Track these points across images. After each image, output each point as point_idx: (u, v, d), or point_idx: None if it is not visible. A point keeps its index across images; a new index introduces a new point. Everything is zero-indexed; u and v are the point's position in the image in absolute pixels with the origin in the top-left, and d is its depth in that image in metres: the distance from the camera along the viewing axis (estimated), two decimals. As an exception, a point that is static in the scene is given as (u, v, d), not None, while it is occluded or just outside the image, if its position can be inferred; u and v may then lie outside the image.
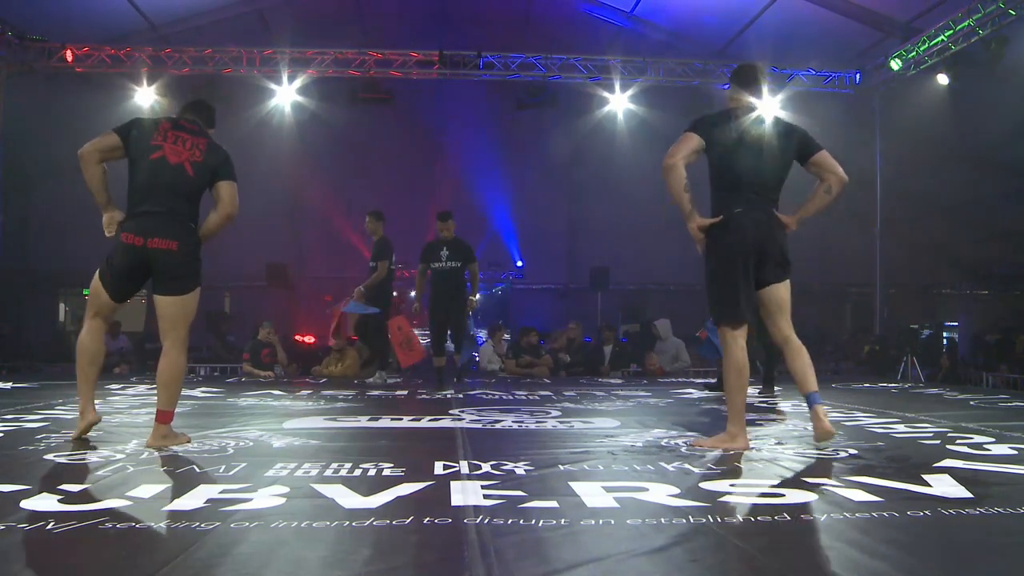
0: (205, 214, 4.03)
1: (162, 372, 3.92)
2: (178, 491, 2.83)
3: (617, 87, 12.84)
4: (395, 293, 17.38)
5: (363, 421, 5.10)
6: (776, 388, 7.35)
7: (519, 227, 16.22)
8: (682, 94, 13.09)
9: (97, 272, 3.97)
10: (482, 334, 12.77)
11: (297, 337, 13.61)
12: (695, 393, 7.51)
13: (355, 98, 12.77)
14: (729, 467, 3.40)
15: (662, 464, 3.42)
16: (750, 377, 7.10)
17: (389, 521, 2.43)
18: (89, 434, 4.27)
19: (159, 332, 3.96)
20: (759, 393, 7.17)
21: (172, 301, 3.89)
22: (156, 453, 3.70)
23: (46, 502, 2.65)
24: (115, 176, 3.99)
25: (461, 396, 6.93)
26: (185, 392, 6.75)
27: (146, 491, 2.82)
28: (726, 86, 12.83)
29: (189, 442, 3.95)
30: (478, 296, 8.21)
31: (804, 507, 2.64)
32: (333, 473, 3.17)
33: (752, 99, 4.02)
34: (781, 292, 3.96)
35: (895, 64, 11.82)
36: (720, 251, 3.90)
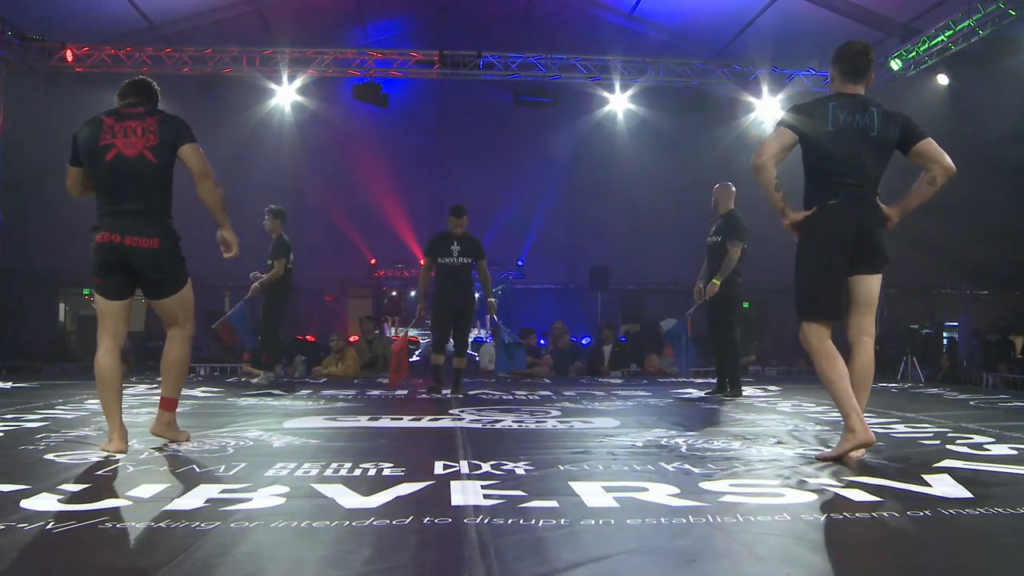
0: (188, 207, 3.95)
1: (166, 356, 3.88)
2: (178, 491, 2.83)
3: (617, 87, 12.84)
4: (394, 293, 17.49)
5: (363, 421, 5.10)
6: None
7: (519, 227, 16.21)
8: (682, 94, 13.10)
9: (93, 287, 3.88)
10: (481, 334, 12.76)
11: (297, 337, 13.61)
12: (695, 393, 7.51)
13: (355, 98, 12.76)
14: (729, 467, 3.40)
15: (662, 464, 3.42)
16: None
17: (389, 521, 2.43)
18: (90, 432, 4.29)
19: (164, 324, 3.92)
20: (707, 393, 7.25)
21: (166, 303, 3.85)
22: (156, 453, 3.70)
23: (46, 502, 2.65)
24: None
25: (461, 396, 6.93)
26: (185, 392, 6.76)
27: (146, 491, 2.82)
28: (727, 86, 12.94)
29: (189, 440, 3.95)
30: (494, 299, 7.55)
31: (804, 507, 2.64)
32: (333, 473, 3.17)
33: (854, 84, 3.66)
34: (871, 285, 3.68)
35: (895, 64, 11.81)
36: (812, 246, 3.65)
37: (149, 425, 3.91)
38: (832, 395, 3.60)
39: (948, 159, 3.61)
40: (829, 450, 3.65)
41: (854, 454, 3.53)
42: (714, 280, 6.92)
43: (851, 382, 3.59)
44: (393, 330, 16.21)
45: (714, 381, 7.73)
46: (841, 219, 3.57)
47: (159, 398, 3.94)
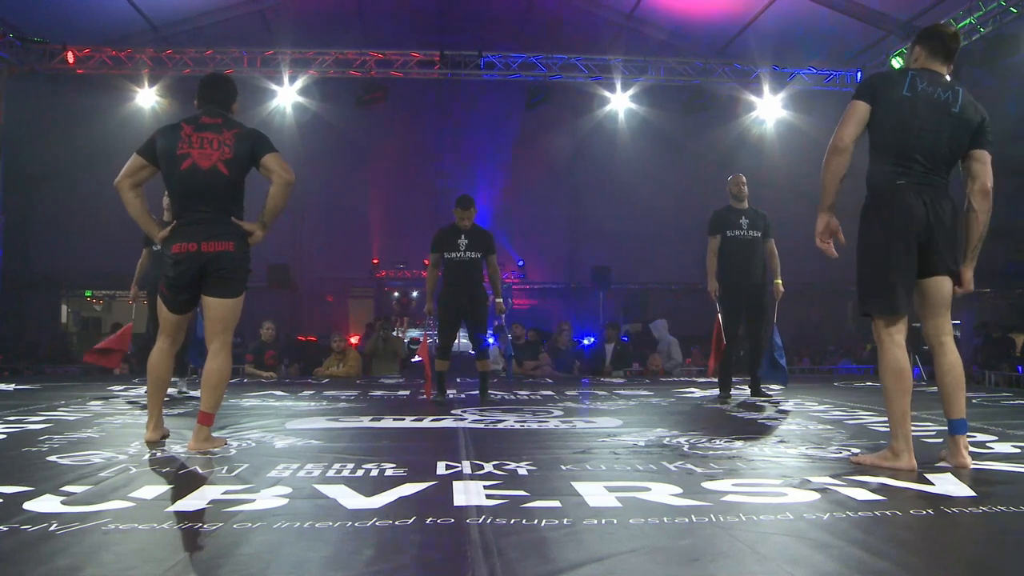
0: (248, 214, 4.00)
1: (212, 374, 3.88)
2: (181, 492, 2.83)
3: (618, 86, 12.85)
4: (396, 294, 17.49)
5: (365, 421, 5.10)
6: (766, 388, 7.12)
7: (520, 227, 16.23)
8: (683, 93, 13.10)
9: (158, 295, 4.02)
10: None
11: (300, 338, 13.64)
12: (697, 392, 7.50)
13: (356, 98, 12.77)
14: (731, 467, 3.40)
15: (664, 464, 3.42)
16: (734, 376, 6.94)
17: (392, 521, 2.43)
18: (93, 434, 4.29)
19: (206, 334, 3.96)
20: (752, 395, 6.89)
21: (225, 304, 3.88)
22: (159, 454, 3.70)
23: (49, 503, 2.66)
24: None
25: (463, 396, 6.92)
26: (188, 393, 6.77)
27: (149, 492, 2.82)
28: (728, 85, 12.93)
29: (226, 444, 3.93)
30: (502, 300, 6.77)
31: (807, 506, 2.64)
32: (335, 473, 3.17)
33: (941, 64, 3.41)
34: (943, 284, 3.38)
35: (896, 63, 11.79)
36: (877, 229, 3.31)
37: (188, 443, 3.84)
38: (888, 410, 3.35)
39: (991, 180, 3.40)
40: (865, 455, 3.48)
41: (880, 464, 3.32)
42: (777, 281, 6.78)
43: (943, 387, 3.37)
44: (399, 331, 16.23)
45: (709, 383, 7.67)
46: (910, 202, 3.25)
47: (198, 412, 3.90)
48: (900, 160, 3.30)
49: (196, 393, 6.92)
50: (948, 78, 3.43)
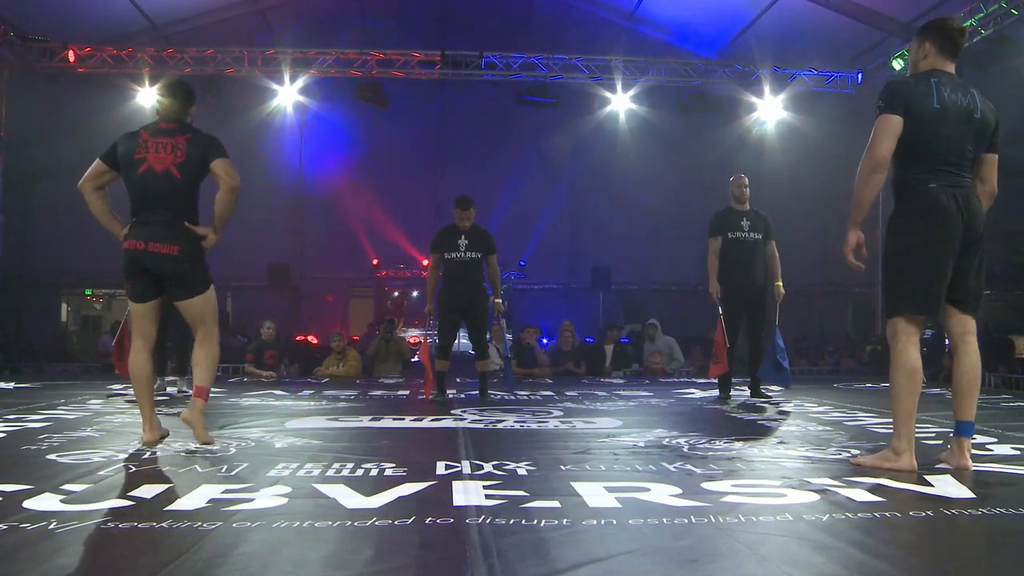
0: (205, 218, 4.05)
1: (199, 356, 4.08)
2: (180, 491, 2.83)
3: (619, 87, 12.85)
4: (396, 294, 17.47)
5: (365, 421, 5.11)
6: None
7: (521, 227, 16.22)
8: (684, 94, 13.10)
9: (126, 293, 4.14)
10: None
11: (298, 338, 13.64)
12: (697, 393, 7.50)
13: (356, 98, 12.78)
14: (731, 468, 3.40)
15: (664, 464, 3.42)
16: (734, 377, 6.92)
17: (391, 521, 2.43)
18: (92, 433, 4.29)
19: (192, 327, 4.12)
20: (752, 396, 6.88)
21: (190, 303, 4.01)
22: (159, 453, 3.70)
23: (48, 502, 2.66)
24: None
25: (463, 396, 6.92)
26: (188, 392, 6.77)
27: (148, 491, 2.82)
28: (729, 86, 12.93)
29: (212, 443, 3.94)
30: (501, 300, 6.81)
31: (806, 507, 2.64)
32: (335, 473, 3.17)
33: (950, 62, 3.36)
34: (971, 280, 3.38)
35: (897, 64, 11.79)
36: (917, 232, 3.26)
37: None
38: (893, 409, 3.33)
39: (995, 183, 3.44)
40: (865, 456, 3.46)
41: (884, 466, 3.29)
42: (778, 283, 6.79)
43: (959, 388, 3.38)
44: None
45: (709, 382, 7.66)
46: (946, 203, 3.23)
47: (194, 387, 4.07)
48: (930, 167, 3.28)
49: None
50: (953, 71, 3.39)
